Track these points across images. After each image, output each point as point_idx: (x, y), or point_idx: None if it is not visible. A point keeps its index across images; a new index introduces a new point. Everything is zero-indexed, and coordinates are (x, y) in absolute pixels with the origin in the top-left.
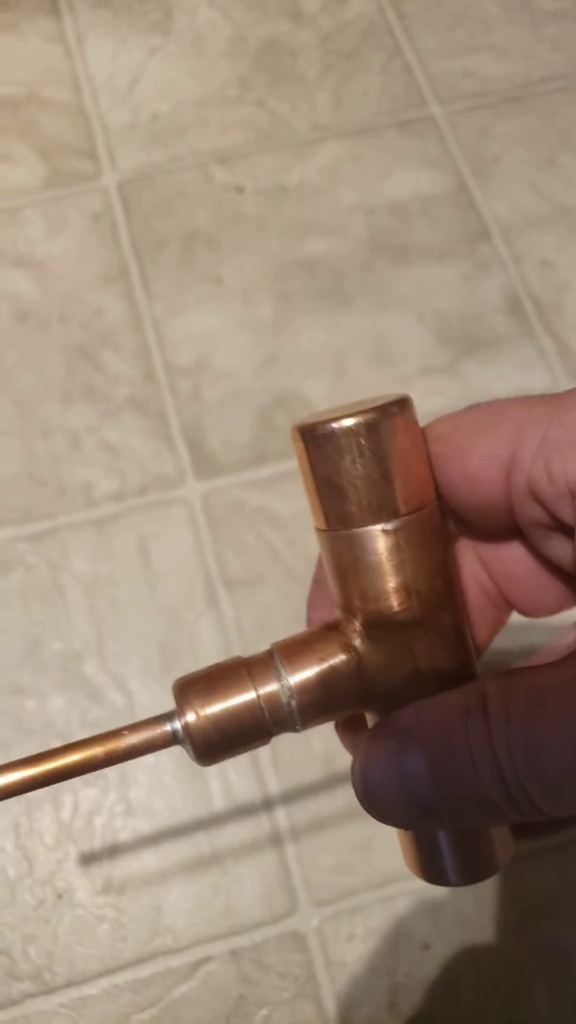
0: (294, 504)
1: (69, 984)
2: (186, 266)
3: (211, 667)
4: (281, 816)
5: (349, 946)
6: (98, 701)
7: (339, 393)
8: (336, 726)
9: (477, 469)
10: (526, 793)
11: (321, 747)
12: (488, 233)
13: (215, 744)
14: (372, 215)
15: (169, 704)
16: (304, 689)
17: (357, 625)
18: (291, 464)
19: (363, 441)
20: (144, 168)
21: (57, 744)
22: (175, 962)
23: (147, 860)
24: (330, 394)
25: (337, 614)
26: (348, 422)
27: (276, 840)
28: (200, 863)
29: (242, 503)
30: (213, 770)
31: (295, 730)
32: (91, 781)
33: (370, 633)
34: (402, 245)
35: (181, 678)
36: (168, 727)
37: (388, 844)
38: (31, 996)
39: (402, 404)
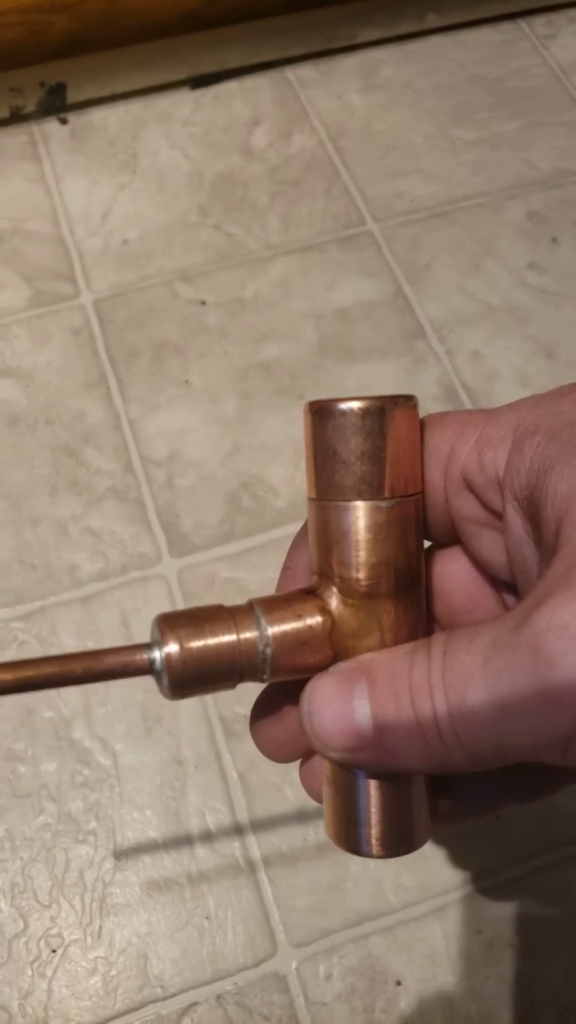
0: (261, 575)
1: None
2: (157, 371)
3: (194, 608)
4: (259, 861)
5: (328, 985)
6: (87, 764)
7: (298, 477)
8: (252, 717)
9: (423, 460)
10: (453, 727)
11: (294, 796)
12: (423, 331)
13: (190, 678)
14: (320, 321)
15: (153, 764)
16: (280, 641)
17: (335, 591)
18: (257, 539)
19: (369, 423)
20: (117, 287)
21: (51, 807)
22: (164, 1010)
23: (135, 911)
24: (290, 477)
25: (314, 580)
26: (358, 404)
27: (255, 885)
28: (185, 911)
29: (213, 576)
30: (194, 820)
31: (262, 679)
32: (81, 839)
33: (346, 600)
34: (347, 346)
35: (164, 613)
36: (148, 655)
37: (360, 884)
38: None
39: (408, 400)
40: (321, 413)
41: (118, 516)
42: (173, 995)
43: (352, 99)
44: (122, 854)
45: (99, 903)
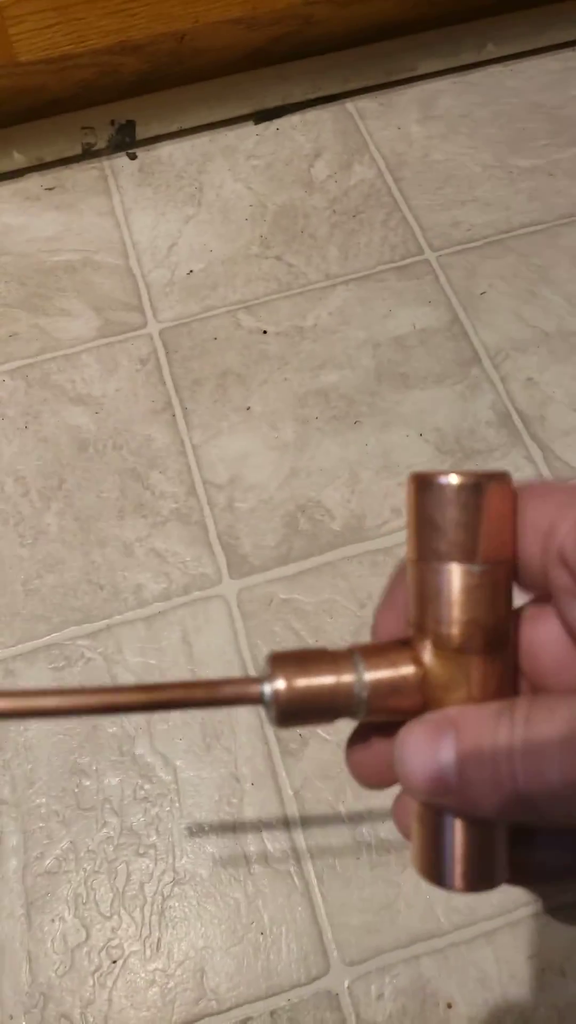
0: (316, 596)
1: None
2: (220, 399)
3: (301, 650)
4: (313, 879)
5: (379, 1005)
6: (148, 779)
7: (353, 500)
8: (348, 745)
9: (523, 530)
10: (529, 792)
11: (348, 815)
12: (479, 358)
13: (294, 712)
14: (377, 348)
15: (211, 780)
16: (375, 687)
17: (428, 645)
18: (313, 561)
19: (464, 496)
20: (182, 317)
21: (113, 821)
22: (219, 1023)
23: (193, 924)
24: (345, 501)
25: (411, 632)
26: (457, 479)
27: (309, 902)
28: (241, 926)
29: (271, 597)
30: (250, 836)
31: (357, 718)
32: (142, 852)
33: (438, 654)
34: (403, 372)
35: (276, 652)
36: (260, 688)
37: (411, 905)
38: None
39: (503, 477)
40: (423, 484)
41: (181, 538)
42: (228, 1009)
43: (411, 130)
44: (180, 868)
45: (158, 916)
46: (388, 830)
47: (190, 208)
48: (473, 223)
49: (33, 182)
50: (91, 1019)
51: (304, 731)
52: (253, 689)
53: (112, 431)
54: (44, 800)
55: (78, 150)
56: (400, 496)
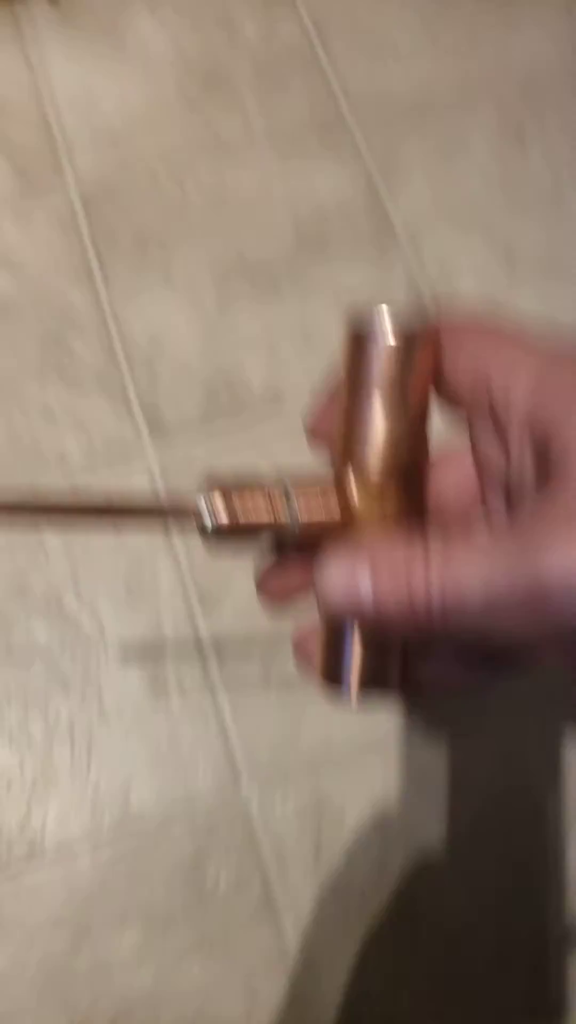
0: (235, 458)
1: (58, 860)
2: (140, 263)
3: (240, 478)
4: (226, 712)
5: (283, 815)
6: (76, 627)
7: (274, 368)
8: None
9: (459, 364)
10: (444, 619)
11: (260, 657)
12: (394, 229)
13: (228, 540)
14: (297, 216)
15: (136, 625)
16: (306, 521)
17: (354, 481)
18: (233, 426)
19: (401, 355)
20: (102, 174)
21: (41, 667)
22: (144, 840)
23: (119, 755)
24: (265, 367)
25: (337, 467)
26: (393, 340)
27: (223, 730)
28: (162, 755)
29: (192, 462)
30: (171, 677)
31: (288, 539)
32: (70, 694)
33: (362, 489)
34: (323, 242)
35: (215, 475)
36: (199, 508)
37: (313, 729)
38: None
39: (430, 333)
40: (359, 338)
41: (101, 403)
42: (153, 825)
43: None
44: (107, 704)
45: (86, 748)
46: (294, 670)
47: (111, 59)
48: (396, 90)
49: None
50: (29, 834)
51: (222, 583)
52: (194, 509)
53: (32, 296)
54: None
55: None
56: (318, 367)
